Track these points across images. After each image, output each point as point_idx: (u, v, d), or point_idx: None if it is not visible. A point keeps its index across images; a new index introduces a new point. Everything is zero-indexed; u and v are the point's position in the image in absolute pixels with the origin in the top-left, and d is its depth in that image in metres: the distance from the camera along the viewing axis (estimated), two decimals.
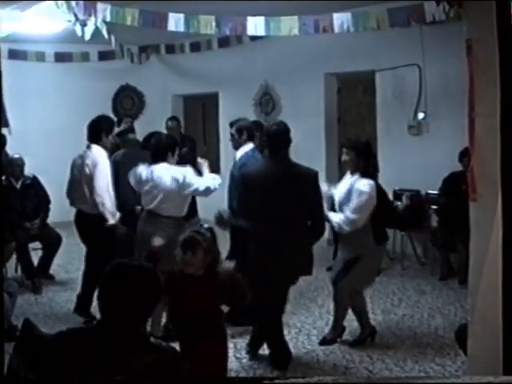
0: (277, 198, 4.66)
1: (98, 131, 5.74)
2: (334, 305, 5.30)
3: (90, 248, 5.85)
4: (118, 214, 5.65)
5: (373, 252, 5.02)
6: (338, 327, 5.28)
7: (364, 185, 4.88)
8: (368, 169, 4.99)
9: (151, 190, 5.31)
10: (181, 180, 5.23)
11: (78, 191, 5.74)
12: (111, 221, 5.58)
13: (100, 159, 5.64)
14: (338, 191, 5.07)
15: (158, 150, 5.39)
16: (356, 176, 4.95)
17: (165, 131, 8.28)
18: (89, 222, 5.68)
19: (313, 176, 4.74)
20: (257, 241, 4.72)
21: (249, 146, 5.80)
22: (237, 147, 5.89)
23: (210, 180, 5.34)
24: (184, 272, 3.75)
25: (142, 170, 5.40)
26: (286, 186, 4.66)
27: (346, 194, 4.94)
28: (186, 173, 5.26)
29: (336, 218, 4.92)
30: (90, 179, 5.59)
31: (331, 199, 5.15)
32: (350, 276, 5.00)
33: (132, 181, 5.52)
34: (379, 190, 4.99)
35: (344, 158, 5.08)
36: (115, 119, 6.82)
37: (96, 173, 5.57)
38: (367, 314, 5.35)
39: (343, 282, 5.04)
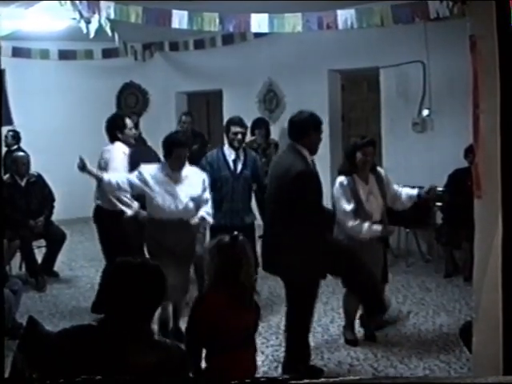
0: (268, 194, 4.61)
1: (111, 131, 5.82)
2: None
3: (106, 245, 5.84)
4: (135, 204, 5.45)
5: None
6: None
7: None
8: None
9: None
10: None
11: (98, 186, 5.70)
12: (129, 212, 5.40)
13: (115, 154, 5.68)
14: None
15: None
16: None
17: (173, 128, 8.29)
18: (105, 217, 5.69)
19: (291, 176, 4.25)
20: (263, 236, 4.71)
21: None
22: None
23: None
24: None
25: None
26: (272, 181, 4.53)
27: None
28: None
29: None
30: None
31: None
32: None
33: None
34: None
35: (367, 157, 4.86)
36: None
37: (108, 168, 5.60)
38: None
39: None
